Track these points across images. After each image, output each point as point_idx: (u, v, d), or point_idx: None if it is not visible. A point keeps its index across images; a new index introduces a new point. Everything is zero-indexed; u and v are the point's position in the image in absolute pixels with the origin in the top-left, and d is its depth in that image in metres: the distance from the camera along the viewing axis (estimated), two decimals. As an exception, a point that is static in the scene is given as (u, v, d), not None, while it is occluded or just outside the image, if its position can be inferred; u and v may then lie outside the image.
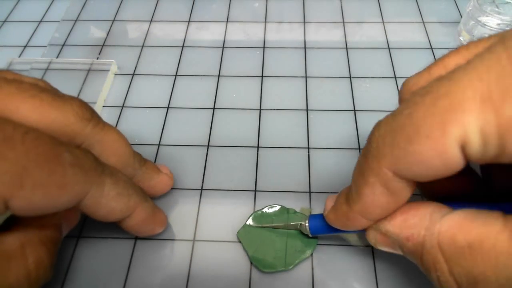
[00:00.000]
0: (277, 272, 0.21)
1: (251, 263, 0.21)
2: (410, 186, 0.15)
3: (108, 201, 0.17)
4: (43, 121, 0.16)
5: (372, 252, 0.22)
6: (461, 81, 0.12)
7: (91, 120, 0.18)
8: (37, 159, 0.14)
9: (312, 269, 0.21)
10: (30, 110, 0.16)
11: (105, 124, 0.19)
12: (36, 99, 0.16)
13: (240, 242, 0.22)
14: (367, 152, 0.15)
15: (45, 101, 0.16)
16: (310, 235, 0.21)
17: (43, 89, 0.17)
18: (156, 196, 0.23)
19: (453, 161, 0.13)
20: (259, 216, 0.23)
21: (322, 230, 0.20)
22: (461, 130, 0.12)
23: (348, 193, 0.17)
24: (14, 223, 0.17)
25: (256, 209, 0.23)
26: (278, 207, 0.23)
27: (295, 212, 0.23)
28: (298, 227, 0.22)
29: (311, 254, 0.22)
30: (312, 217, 0.21)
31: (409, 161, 0.13)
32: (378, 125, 0.15)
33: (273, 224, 0.22)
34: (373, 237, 0.17)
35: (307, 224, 0.21)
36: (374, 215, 0.16)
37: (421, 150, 0.13)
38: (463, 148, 0.12)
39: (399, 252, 0.17)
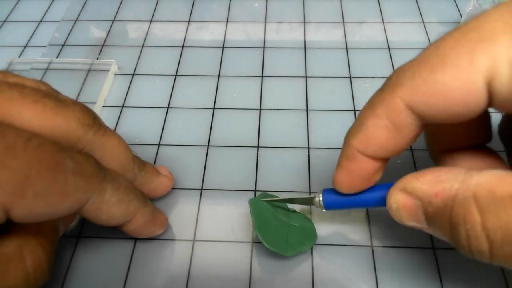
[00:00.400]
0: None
1: (255, 234, 0.21)
2: (418, 126, 0.14)
3: (109, 207, 0.17)
4: (46, 126, 0.16)
5: (372, 252, 0.22)
6: (492, 15, 0.12)
7: (92, 126, 0.18)
8: (39, 167, 0.14)
9: (312, 269, 0.21)
10: (32, 116, 0.16)
11: (106, 129, 0.19)
12: (38, 104, 0.16)
13: (250, 209, 0.21)
14: (383, 86, 0.15)
15: (47, 107, 0.16)
16: (324, 209, 0.20)
17: (46, 94, 0.17)
18: (156, 197, 0.23)
19: (476, 96, 0.12)
20: (268, 196, 0.22)
21: (337, 204, 0.19)
22: (489, 60, 0.11)
23: (349, 133, 0.17)
24: (11, 225, 0.17)
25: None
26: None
27: (295, 211, 0.23)
28: (311, 202, 0.21)
29: (311, 249, 0.21)
30: (326, 191, 0.20)
31: (429, 91, 0.13)
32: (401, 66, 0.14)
33: (286, 198, 0.22)
34: (394, 201, 0.16)
35: (321, 198, 0.20)
36: (371, 150, 0.16)
37: (444, 79, 0.12)
38: (490, 84, 0.12)
39: (420, 224, 0.16)
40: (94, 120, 0.18)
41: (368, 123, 0.15)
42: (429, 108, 0.13)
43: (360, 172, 0.17)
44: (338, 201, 0.19)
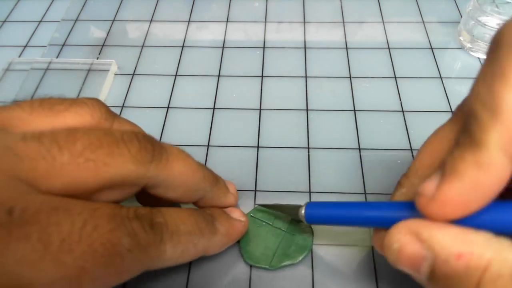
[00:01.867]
0: (260, 268, 0.21)
1: (239, 251, 0.22)
2: None
3: (173, 262, 0.17)
4: (102, 184, 0.15)
5: (372, 252, 0.22)
6: None
7: (152, 161, 0.16)
8: (94, 256, 0.13)
9: (312, 269, 0.21)
10: (86, 176, 0.15)
11: (168, 155, 0.17)
12: (90, 163, 0.15)
13: None
14: None
15: (99, 161, 0.15)
16: (305, 223, 0.20)
17: (97, 146, 0.15)
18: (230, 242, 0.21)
19: None
20: (261, 211, 0.23)
21: (320, 219, 0.19)
22: None
23: (482, 123, 0.12)
24: None
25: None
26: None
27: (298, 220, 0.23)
28: (296, 213, 0.20)
29: (311, 250, 0.22)
30: (310, 204, 0.19)
31: None
32: None
33: (274, 204, 0.22)
34: (397, 240, 0.14)
35: (303, 212, 0.19)
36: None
37: None
38: None
39: (416, 275, 0.14)
40: (153, 153, 0.16)
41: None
42: None
43: (493, 186, 0.12)
44: (322, 215, 0.18)
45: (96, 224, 0.13)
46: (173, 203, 0.20)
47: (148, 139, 0.17)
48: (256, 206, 0.23)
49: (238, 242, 0.22)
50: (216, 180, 0.20)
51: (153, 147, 0.17)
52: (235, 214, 0.21)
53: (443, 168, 0.13)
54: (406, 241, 0.13)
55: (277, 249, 0.21)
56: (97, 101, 0.18)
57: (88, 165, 0.14)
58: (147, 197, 0.20)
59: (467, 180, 0.12)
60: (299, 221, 0.23)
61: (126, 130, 0.17)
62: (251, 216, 0.23)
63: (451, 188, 0.12)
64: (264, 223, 0.22)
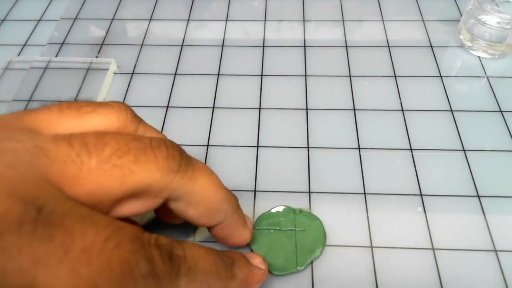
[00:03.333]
0: (290, 274, 0.21)
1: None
2: None
3: None
4: (126, 192, 0.15)
5: (372, 252, 0.22)
6: None
7: (178, 171, 0.16)
8: (110, 275, 0.13)
9: (312, 269, 0.21)
10: (111, 184, 0.15)
11: (194, 168, 0.17)
12: (116, 169, 0.15)
13: (249, 247, 0.22)
14: None
15: (126, 168, 0.15)
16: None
17: (124, 152, 0.15)
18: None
19: None
20: (265, 218, 0.23)
21: None
22: None
23: None
24: None
25: (257, 209, 0.23)
26: (282, 208, 0.23)
27: (300, 211, 0.23)
28: None
29: (321, 252, 0.22)
30: None
31: None
32: None
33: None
34: None
35: None
36: None
37: None
38: None
39: None
40: (180, 164, 0.16)
41: None
42: None
43: None
44: None
45: (119, 242, 0.13)
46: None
47: (176, 148, 0.17)
48: (259, 216, 0.23)
49: None
50: (237, 205, 0.20)
51: (180, 157, 0.16)
52: (256, 260, 0.20)
53: None
54: None
55: (297, 249, 0.21)
56: (123, 105, 0.18)
57: (114, 171, 0.14)
58: (166, 214, 0.20)
59: None
60: (301, 212, 0.23)
61: (153, 136, 0.17)
62: (256, 229, 0.22)
63: None
64: (272, 231, 0.22)
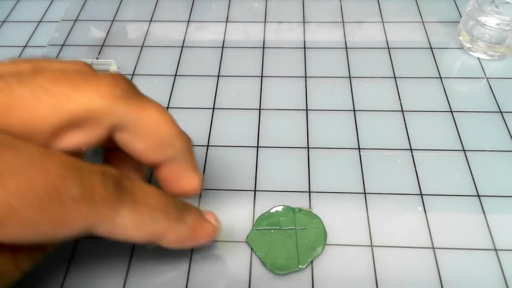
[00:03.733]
0: (291, 273, 0.21)
1: (265, 266, 0.21)
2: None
3: (124, 232, 0.15)
4: (64, 117, 0.14)
5: (372, 252, 0.22)
6: None
7: (122, 98, 0.15)
8: (29, 197, 0.12)
9: (312, 269, 0.21)
10: (49, 110, 0.14)
11: (143, 101, 0.16)
12: (50, 97, 0.14)
13: (250, 247, 0.22)
14: None
15: (62, 95, 0.14)
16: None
17: (62, 80, 0.15)
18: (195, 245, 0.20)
19: None
20: (265, 218, 0.23)
21: None
22: None
23: None
24: None
25: (256, 209, 0.23)
26: (282, 207, 0.23)
27: (300, 210, 0.23)
28: None
29: (322, 250, 0.22)
30: None
31: None
32: None
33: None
34: None
35: None
36: None
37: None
38: None
39: None
40: (126, 90, 0.15)
41: None
42: None
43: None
44: None
45: (44, 167, 0.13)
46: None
47: (125, 78, 0.16)
48: (259, 216, 0.23)
49: (260, 259, 0.21)
50: (191, 147, 0.18)
51: (128, 86, 0.16)
52: (209, 216, 0.20)
53: None
54: None
55: (298, 248, 0.21)
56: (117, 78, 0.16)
57: (49, 99, 0.14)
58: (114, 154, 0.19)
59: None
60: (300, 211, 0.23)
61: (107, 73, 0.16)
62: (257, 229, 0.22)
63: None
64: (272, 230, 0.22)
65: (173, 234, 0.17)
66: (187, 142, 0.18)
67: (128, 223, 0.15)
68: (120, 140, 0.16)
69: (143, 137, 0.16)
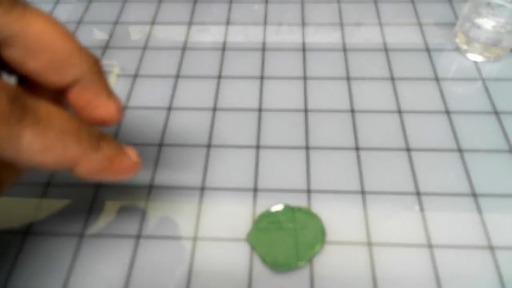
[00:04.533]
0: (291, 271, 0.21)
1: (265, 264, 0.22)
2: None
3: (31, 156, 0.14)
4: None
5: (370, 249, 0.22)
6: None
7: None
8: None
9: (311, 266, 0.22)
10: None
11: (26, 8, 0.15)
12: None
13: (251, 245, 0.22)
14: None
15: None
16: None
17: None
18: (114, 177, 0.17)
19: None
20: (265, 217, 0.23)
21: None
22: None
23: None
24: None
25: (257, 208, 0.24)
26: (281, 206, 0.24)
27: (299, 209, 0.23)
28: None
29: (321, 247, 0.22)
30: None
31: None
32: None
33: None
34: None
35: None
36: None
37: None
38: None
39: None
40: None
41: None
42: None
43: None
44: None
45: None
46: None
47: None
48: (259, 215, 0.23)
49: (261, 257, 0.22)
50: (99, 67, 0.17)
51: None
52: (130, 150, 0.17)
53: None
54: None
55: (297, 246, 0.22)
56: None
57: None
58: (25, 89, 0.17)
59: None
60: (300, 209, 0.23)
61: None
62: (257, 228, 0.23)
63: None
64: (272, 229, 0.23)
65: (87, 162, 0.15)
66: (94, 62, 0.17)
67: (34, 146, 0.13)
68: (10, 58, 0.15)
69: (36, 55, 0.15)
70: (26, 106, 0.13)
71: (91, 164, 0.15)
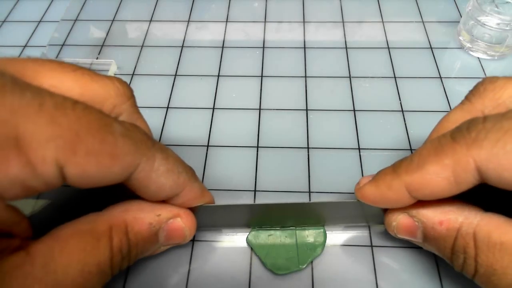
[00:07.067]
0: (291, 273, 0.21)
1: (265, 267, 0.21)
2: (474, 184, 0.15)
3: (158, 177, 0.17)
4: (86, 94, 0.17)
5: (371, 251, 0.22)
6: None
7: (130, 98, 0.18)
8: (88, 126, 0.14)
9: (312, 268, 0.21)
10: (73, 83, 0.16)
11: (139, 111, 0.20)
12: (77, 72, 0.17)
13: (250, 247, 0.22)
14: (459, 135, 0.15)
15: (86, 75, 0.17)
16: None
17: (83, 68, 0.18)
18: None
19: None
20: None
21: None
22: None
23: (400, 164, 0.17)
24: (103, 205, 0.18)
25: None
26: None
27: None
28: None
29: (322, 250, 0.22)
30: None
31: (507, 164, 0.14)
32: (484, 119, 0.15)
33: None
34: (395, 220, 0.18)
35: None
36: (421, 193, 0.16)
37: None
38: None
39: (414, 239, 0.18)
40: (132, 94, 0.19)
41: (430, 169, 0.16)
42: (500, 179, 0.14)
43: (394, 202, 0.18)
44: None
45: (87, 105, 0.14)
46: None
47: (131, 88, 0.19)
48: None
49: (261, 259, 0.21)
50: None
51: (132, 92, 0.19)
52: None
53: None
54: (400, 218, 0.18)
55: (298, 248, 0.21)
56: (121, 81, 0.19)
57: (76, 74, 0.17)
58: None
59: (382, 181, 0.18)
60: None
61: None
62: (256, 229, 0.22)
63: (370, 188, 0.18)
64: (272, 231, 0.22)
65: (190, 189, 0.18)
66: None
67: (161, 167, 0.16)
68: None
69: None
70: (152, 138, 0.17)
71: (191, 191, 0.18)
